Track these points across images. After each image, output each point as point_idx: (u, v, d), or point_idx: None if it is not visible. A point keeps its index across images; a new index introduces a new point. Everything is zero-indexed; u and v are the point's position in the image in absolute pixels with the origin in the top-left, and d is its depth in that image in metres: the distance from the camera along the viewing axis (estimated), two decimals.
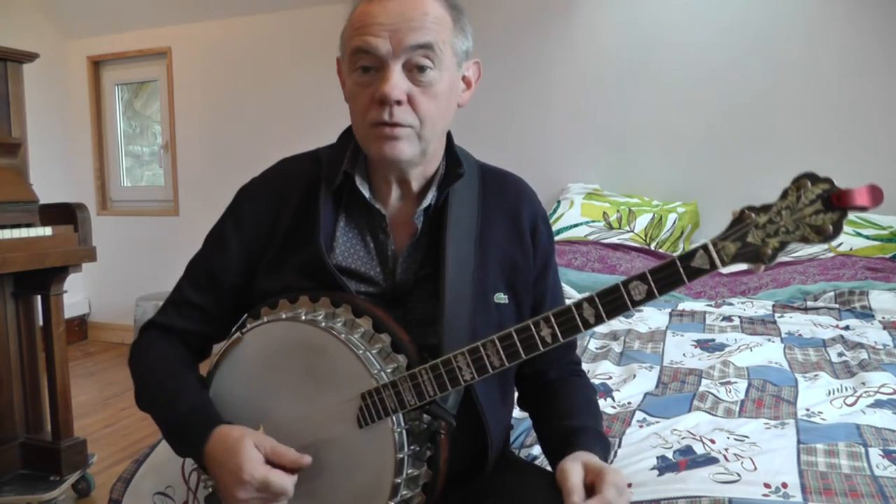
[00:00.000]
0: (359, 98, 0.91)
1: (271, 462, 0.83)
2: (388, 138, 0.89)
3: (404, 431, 0.82)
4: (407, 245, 0.97)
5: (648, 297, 0.73)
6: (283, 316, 0.89)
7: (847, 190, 0.66)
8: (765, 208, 0.70)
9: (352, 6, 0.94)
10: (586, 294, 0.77)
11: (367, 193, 0.96)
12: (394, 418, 0.82)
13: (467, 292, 0.93)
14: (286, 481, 0.82)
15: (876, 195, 0.65)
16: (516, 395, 1.11)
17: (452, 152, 1.00)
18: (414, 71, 0.88)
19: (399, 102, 0.88)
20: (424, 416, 0.84)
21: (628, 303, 0.74)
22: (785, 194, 0.69)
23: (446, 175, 0.99)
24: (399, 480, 0.81)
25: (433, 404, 0.83)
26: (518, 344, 0.78)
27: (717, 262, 0.71)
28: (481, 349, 0.79)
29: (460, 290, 0.92)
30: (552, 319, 0.77)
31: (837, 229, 0.67)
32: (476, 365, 0.80)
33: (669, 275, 0.72)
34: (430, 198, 0.97)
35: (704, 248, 0.71)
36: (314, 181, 0.98)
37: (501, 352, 0.79)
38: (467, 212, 0.97)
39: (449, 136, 1.01)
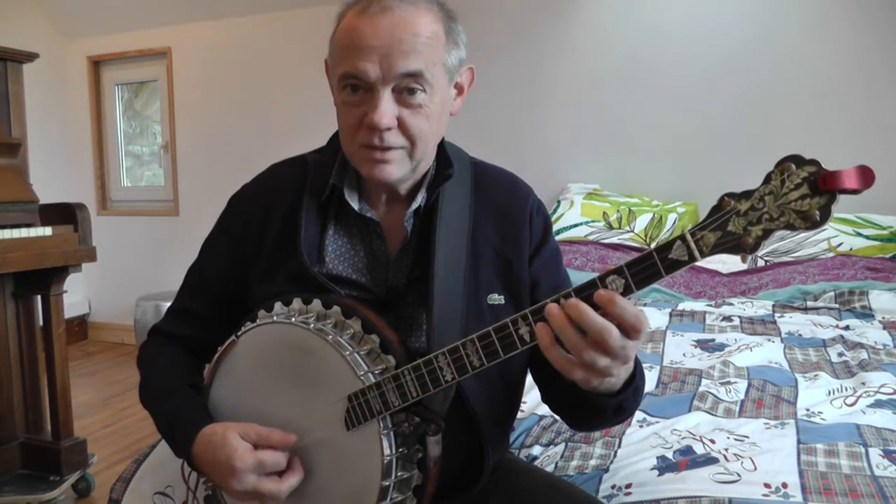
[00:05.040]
0: (347, 117, 0.89)
1: (260, 447, 0.85)
2: (378, 161, 0.88)
3: (392, 433, 0.81)
4: (398, 248, 0.96)
5: (626, 292, 0.69)
6: (275, 318, 0.89)
7: (834, 172, 0.61)
8: (746, 194, 0.65)
9: (340, 7, 0.91)
10: (564, 290, 0.73)
11: (356, 206, 0.95)
12: (380, 420, 0.81)
13: (459, 294, 0.91)
14: (278, 458, 0.84)
15: (866, 176, 0.61)
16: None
17: (443, 152, 0.98)
18: (404, 93, 0.86)
19: (389, 128, 0.86)
20: (414, 417, 0.82)
21: None
22: (768, 179, 0.65)
23: (436, 176, 0.97)
24: (387, 483, 0.80)
25: (420, 405, 0.82)
26: (497, 343, 0.75)
27: (696, 252, 0.66)
28: (461, 349, 0.77)
29: (451, 291, 0.91)
30: (530, 317, 0.73)
31: (825, 215, 0.62)
32: (456, 365, 0.77)
33: (647, 268, 0.68)
34: (419, 200, 0.95)
35: (682, 238, 0.67)
36: (301, 189, 0.98)
37: (480, 351, 0.76)
38: (458, 212, 0.96)
39: None
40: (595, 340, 0.70)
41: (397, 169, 0.90)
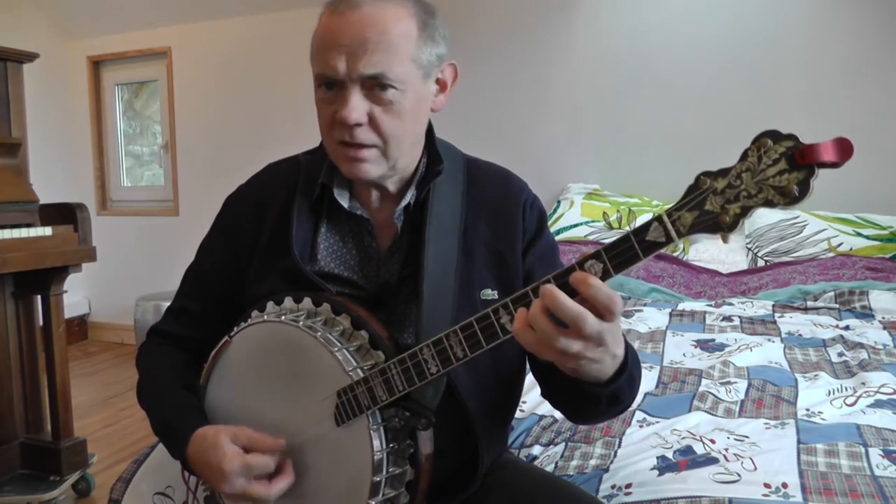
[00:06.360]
0: (323, 114, 0.90)
1: (250, 450, 0.86)
2: (353, 160, 0.89)
3: (381, 428, 0.82)
4: (389, 245, 0.97)
5: (605, 276, 0.68)
6: (266, 317, 0.90)
7: (812, 145, 0.60)
8: (723, 172, 0.64)
9: (322, 6, 0.92)
10: (544, 277, 0.72)
11: (346, 204, 0.96)
12: (370, 416, 0.81)
13: (450, 289, 0.92)
14: (266, 460, 0.85)
15: (844, 148, 0.59)
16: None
17: (433, 149, 0.99)
18: (374, 89, 0.86)
19: (359, 124, 0.87)
20: (404, 412, 0.82)
21: None
22: (745, 155, 0.64)
23: (426, 172, 0.98)
24: (378, 479, 0.80)
25: (409, 400, 0.82)
26: (479, 333, 0.74)
27: (673, 233, 0.65)
28: (444, 340, 0.76)
29: (442, 287, 0.91)
30: (510, 305, 0.73)
31: (804, 189, 0.61)
32: (440, 357, 0.77)
33: (624, 251, 0.67)
34: (408, 197, 0.96)
35: (658, 219, 0.66)
36: (293, 189, 0.99)
37: (464, 342, 0.75)
38: (449, 208, 0.96)
39: (430, 133, 0.99)
40: (571, 327, 0.69)
41: (373, 167, 0.90)
